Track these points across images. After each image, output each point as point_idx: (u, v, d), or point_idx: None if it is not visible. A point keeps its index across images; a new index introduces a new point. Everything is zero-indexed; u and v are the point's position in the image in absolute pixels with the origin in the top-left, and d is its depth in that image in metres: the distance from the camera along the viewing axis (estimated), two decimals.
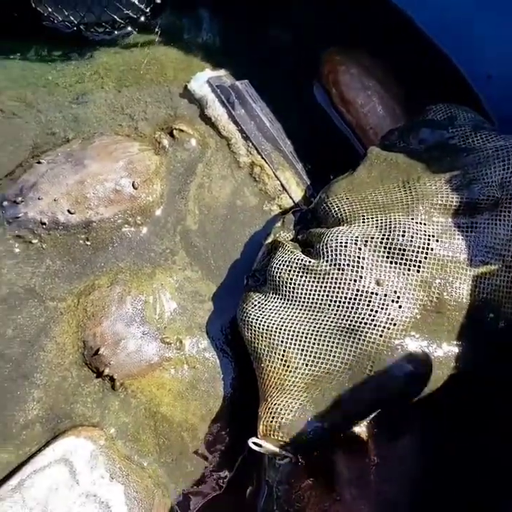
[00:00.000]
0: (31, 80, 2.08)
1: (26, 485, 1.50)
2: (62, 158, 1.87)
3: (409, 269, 1.48)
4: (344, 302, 1.49)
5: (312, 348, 1.51)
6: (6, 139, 1.97)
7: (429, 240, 1.49)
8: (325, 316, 1.51)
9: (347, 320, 1.47)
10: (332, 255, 1.53)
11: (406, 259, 1.48)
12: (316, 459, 1.61)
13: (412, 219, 1.52)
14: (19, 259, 1.81)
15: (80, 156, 1.86)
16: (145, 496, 1.62)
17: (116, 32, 2.17)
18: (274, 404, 1.50)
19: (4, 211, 1.81)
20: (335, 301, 1.50)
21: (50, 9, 2.04)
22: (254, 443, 1.47)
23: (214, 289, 1.88)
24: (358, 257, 1.50)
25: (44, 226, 1.79)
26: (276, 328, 1.56)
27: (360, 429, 1.65)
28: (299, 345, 1.52)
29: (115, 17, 2.07)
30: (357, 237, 1.53)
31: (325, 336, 1.50)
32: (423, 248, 1.48)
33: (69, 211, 1.78)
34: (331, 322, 1.50)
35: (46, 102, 2.04)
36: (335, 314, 1.49)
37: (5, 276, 1.78)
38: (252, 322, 1.61)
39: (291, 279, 1.59)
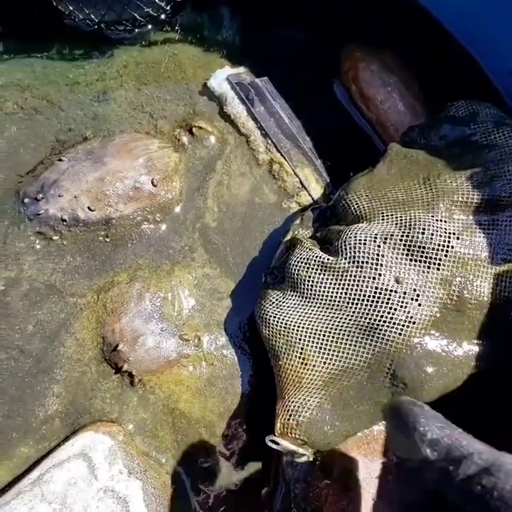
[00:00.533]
0: (53, 78, 2.10)
1: (45, 479, 1.52)
2: (82, 155, 1.88)
3: (429, 267, 1.47)
4: (363, 300, 1.47)
5: (330, 346, 1.50)
6: (27, 137, 1.99)
7: (449, 237, 1.47)
8: (343, 314, 1.50)
9: (366, 318, 1.46)
10: (351, 252, 1.52)
11: (426, 257, 1.47)
12: (334, 457, 1.61)
13: (433, 216, 1.50)
14: (40, 255, 1.83)
15: (100, 153, 1.87)
16: (162, 492, 1.62)
17: (136, 30, 2.17)
18: (292, 402, 1.50)
19: (25, 208, 1.83)
20: (353, 299, 1.49)
21: (71, 8, 2.06)
22: (272, 441, 1.47)
23: (232, 286, 1.88)
24: (377, 255, 1.49)
25: (64, 223, 1.80)
26: (294, 326, 1.56)
27: (379, 428, 1.64)
28: (317, 343, 1.51)
29: (136, 15, 2.07)
30: (376, 234, 1.52)
31: (343, 334, 1.49)
32: (443, 246, 1.46)
33: (89, 208, 1.79)
34: (350, 320, 1.49)
35: (68, 100, 2.05)
36: (353, 312, 1.48)
37: (26, 272, 1.80)
38: (269, 319, 1.61)
39: (310, 277, 1.58)
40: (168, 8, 2.14)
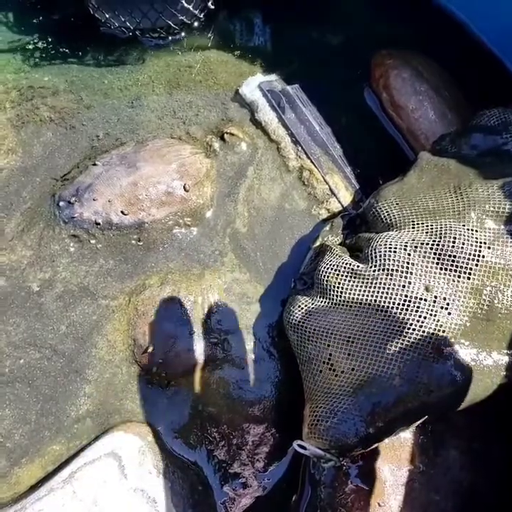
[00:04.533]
0: (88, 83, 2.14)
1: (77, 477, 1.55)
2: (116, 160, 1.92)
3: (459, 276, 1.46)
4: (392, 308, 1.48)
5: (359, 352, 1.50)
6: (62, 142, 2.04)
7: (480, 246, 1.47)
8: (372, 321, 1.50)
9: (395, 326, 1.46)
10: (381, 260, 1.53)
11: (456, 266, 1.47)
12: (361, 463, 1.61)
13: (464, 225, 1.50)
14: (74, 258, 1.86)
15: (133, 158, 1.91)
16: (190, 492, 1.64)
17: (170, 37, 2.21)
18: (319, 407, 1.51)
19: (61, 211, 1.87)
20: (383, 306, 1.49)
21: (107, 16, 2.10)
22: (299, 445, 1.48)
23: (261, 291, 1.90)
24: (407, 263, 1.50)
25: (98, 226, 1.84)
26: (323, 332, 1.56)
27: (407, 435, 1.64)
28: (346, 349, 1.51)
29: (170, 23, 2.11)
30: (406, 242, 1.52)
31: (372, 341, 1.49)
32: (474, 255, 1.46)
33: (122, 212, 1.82)
34: (379, 327, 1.49)
35: (102, 105, 2.10)
36: (382, 319, 1.49)
37: (60, 274, 1.84)
38: (298, 325, 1.62)
39: (339, 283, 1.59)
40: (201, 16, 2.17)
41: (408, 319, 1.45)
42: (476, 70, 2.08)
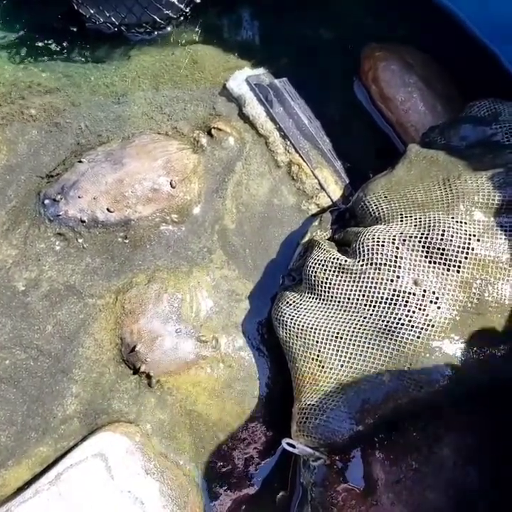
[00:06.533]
0: (75, 80, 2.12)
1: (63, 478, 1.53)
2: (102, 157, 1.89)
3: (448, 269, 1.44)
4: (381, 302, 1.46)
5: (347, 348, 1.48)
6: (48, 139, 2.01)
7: (469, 239, 1.45)
8: (361, 316, 1.48)
9: (383, 320, 1.44)
10: (369, 254, 1.50)
11: (445, 259, 1.44)
12: (352, 461, 1.59)
13: (452, 218, 1.48)
14: (60, 256, 1.84)
15: (119, 155, 1.89)
16: (179, 493, 1.62)
17: (156, 32, 2.19)
18: (308, 405, 1.49)
19: (45, 209, 1.85)
20: (371, 301, 1.47)
21: (92, 11, 2.08)
22: (288, 443, 1.46)
23: (250, 288, 1.87)
24: (396, 256, 1.47)
25: (84, 224, 1.82)
26: (311, 328, 1.55)
27: (399, 432, 1.62)
28: (334, 345, 1.50)
29: (155, 17, 2.09)
30: (395, 236, 1.50)
31: (361, 337, 1.47)
32: (463, 248, 1.44)
33: (108, 209, 1.80)
34: (367, 322, 1.47)
35: (88, 101, 2.08)
36: (371, 314, 1.47)
37: (46, 273, 1.82)
38: (286, 321, 1.60)
39: (327, 279, 1.57)
40: (187, 10, 2.15)
41: (397, 314, 1.43)
42: (470, 63, 2.07)
